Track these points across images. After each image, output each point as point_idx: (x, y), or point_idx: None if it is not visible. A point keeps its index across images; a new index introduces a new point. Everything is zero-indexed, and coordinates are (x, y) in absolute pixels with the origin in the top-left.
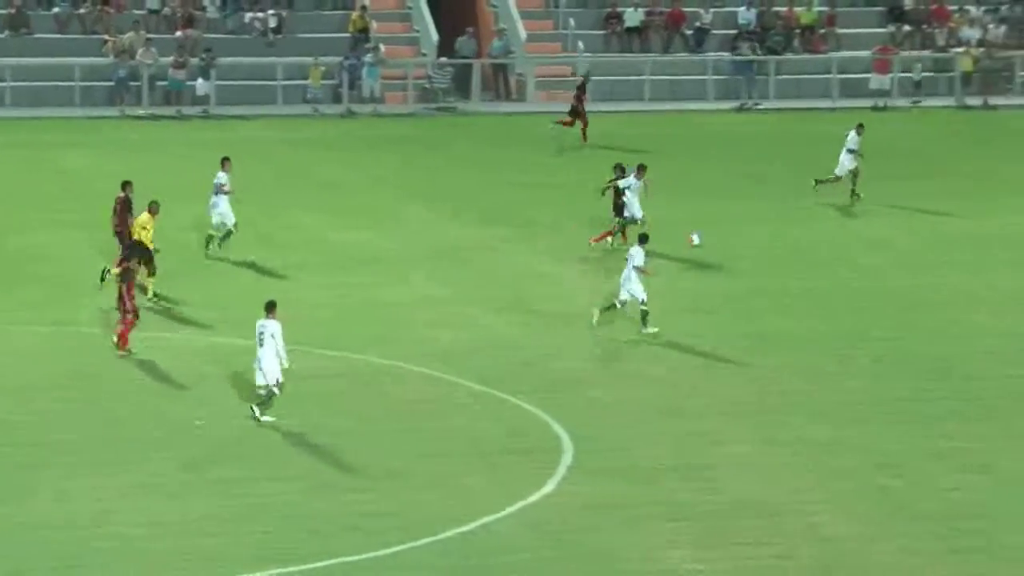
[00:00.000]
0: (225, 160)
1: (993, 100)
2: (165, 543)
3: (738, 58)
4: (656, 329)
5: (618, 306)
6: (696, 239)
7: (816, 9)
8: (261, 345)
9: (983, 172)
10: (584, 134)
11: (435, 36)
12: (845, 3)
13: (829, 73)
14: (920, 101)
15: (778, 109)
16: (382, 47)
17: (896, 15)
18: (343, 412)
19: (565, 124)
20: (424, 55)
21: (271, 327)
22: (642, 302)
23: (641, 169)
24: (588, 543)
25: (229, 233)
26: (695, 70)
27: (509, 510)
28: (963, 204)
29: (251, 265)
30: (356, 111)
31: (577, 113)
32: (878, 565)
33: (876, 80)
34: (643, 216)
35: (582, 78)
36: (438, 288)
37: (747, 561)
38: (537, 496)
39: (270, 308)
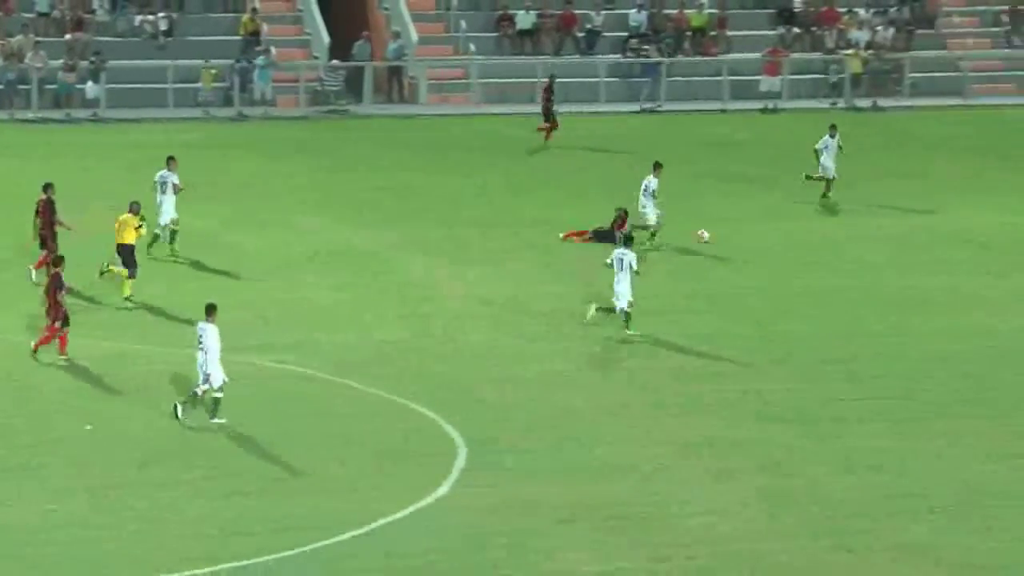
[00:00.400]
0: (171, 159)
1: (882, 102)
2: (74, 547)
3: (634, 60)
4: (638, 331)
5: (617, 312)
6: (705, 235)
7: (707, 11)
8: (202, 349)
9: (883, 173)
10: (549, 134)
11: (326, 39)
12: (735, 5)
13: (720, 75)
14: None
15: (670, 111)
16: (273, 50)
17: (785, 17)
18: (239, 417)
19: (543, 129)
20: (316, 58)
21: (209, 331)
22: (630, 304)
23: (657, 167)
24: (482, 545)
25: (174, 233)
26: (587, 72)
27: (404, 512)
28: (862, 204)
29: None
30: (247, 114)
31: (547, 114)
32: (759, 565)
33: (766, 82)
34: (656, 221)
35: (547, 80)
36: (332, 292)
37: (644, 563)
38: (432, 498)
39: (210, 311)
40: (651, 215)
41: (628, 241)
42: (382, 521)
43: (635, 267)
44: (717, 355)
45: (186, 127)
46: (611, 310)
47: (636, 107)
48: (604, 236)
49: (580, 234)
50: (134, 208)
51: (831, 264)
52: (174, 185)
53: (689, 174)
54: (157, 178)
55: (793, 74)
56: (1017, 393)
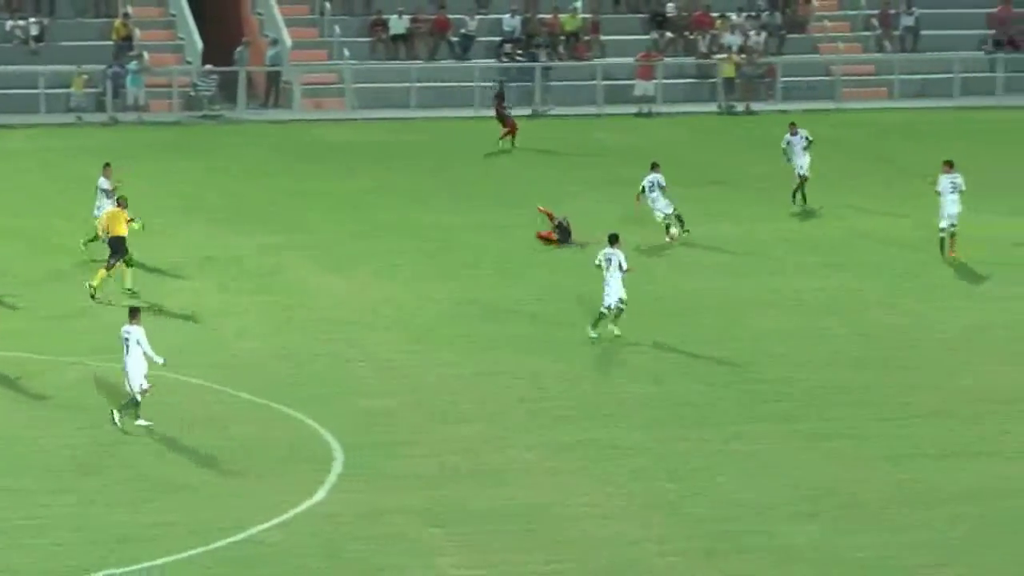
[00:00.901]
0: (106, 166)
1: (755, 106)
2: None
3: (509, 64)
4: (620, 332)
5: (605, 312)
6: (676, 233)
7: (580, 16)
8: (127, 352)
9: (751, 177)
10: (511, 139)
11: (199, 44)
12: (608, 10)
13: (594, 80)
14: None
15: (554, 116)
16: (146, 55)
17: (658, 22)
18: (106, 427)
19: (506, 135)
20: (189, 63)
21: (135, 333)
22: (621, 300)
23: (654, 167)
24: (358, 550)
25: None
26: (462, 77)
27: (280, 519)
28: (729, 209)
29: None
30: (120, 119)
31: (503, 120)
32: (643, 569)
33: (640, 87)
34: (672, 211)
35: (496, 87)
36: (205, 297)
37: (518, 567)
38: (308, 504)
39: (134, 314)
40: (664, 208)
41: (614, 240)
42: (257, 528)
43: (624, 266)
44: (599, 357)
45: (58, 133)
46: (605, 314)
47: (528, 111)
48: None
49: (550, 236)
50: (122, 203)
51: (689, 267)
52: (105, 191)
53: (572, 178)
54: (100, 184)
55: (667, 78)
56: (888, 392)
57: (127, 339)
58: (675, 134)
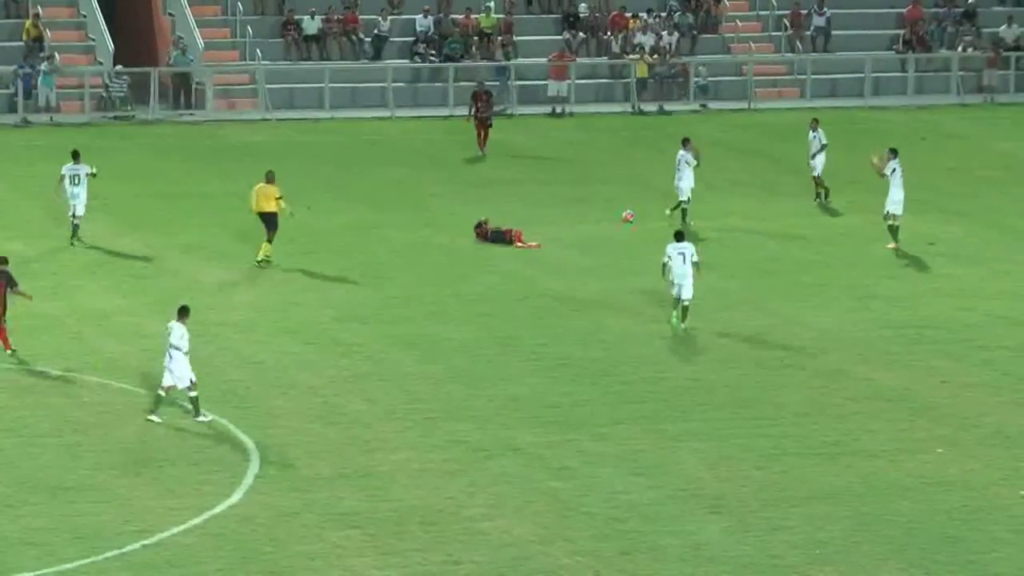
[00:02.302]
0: (76, 153)
1: (668, 106)
2: None
3: (421, 65)
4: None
5: (682, 302)
6: (630, 215)
7: (494, 16)
8: (170, 356)
9: (654, 177)
10: (481, 141)
11: (111, 45)
12: (521, 10)
13: (507, 79)
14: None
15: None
16: (57, 55)
17: (571, 22)
18: (10, 428)
19: (482, 138)
20: (100, 63)
21: (177, 331)
22: (688, 299)
23: (685, 142)
24: (272, 552)
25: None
26: (375, 77)
27: (194, 522)
28: (616, 208)
29: None
30: (32, 120)
31: (481, 121)
32: (547, 568)
33: (553, 86)
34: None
35: (476, 87)
36: (114, 299)
37: (431, 567)
38: (223, 507)
39: (182, 313)
40: (687, 188)
41: (681, 235)
42: (171, 531)
43: (696, 259)
44: (501, 359)
45: None
46: (676, 301)
47: (445, 111)
48: (497, 237)
49: (483, 233)
50: (270, 178)
51: (561, 267)
52: (88, 174)
53: (482, 180)
54: (65, 171)
55: (580, 78)
56: (756, 392)
57: (170, 334)
58: (585, 135)
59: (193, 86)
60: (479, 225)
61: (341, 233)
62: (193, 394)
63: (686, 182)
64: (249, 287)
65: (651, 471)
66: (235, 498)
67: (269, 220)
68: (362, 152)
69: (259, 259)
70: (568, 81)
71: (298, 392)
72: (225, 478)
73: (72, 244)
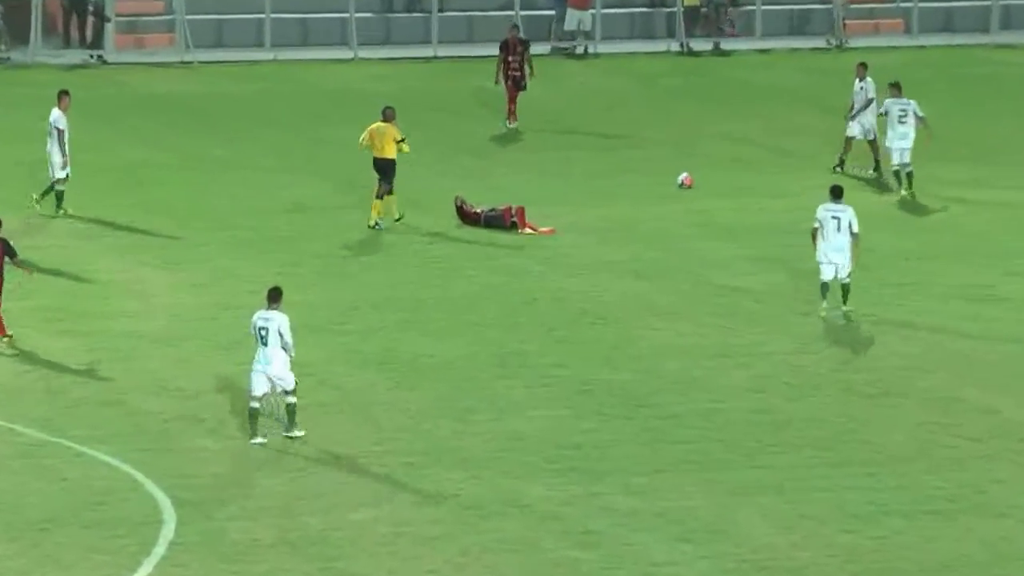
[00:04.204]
0: (62, 94)
1: (727, 43)
2: None
3: None
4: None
5: (832, 278)
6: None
7: None
8: (264, 343)
9: (712, 139)
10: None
11: None
12: None
13: (509, 9)
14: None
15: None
16: None
17: None
18: None
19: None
20: None
21: (277, 320)
22: (849, 274)
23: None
24: None
25: (51, 189)
26: (332, 6)
27: None
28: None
29: None
30: None
31: (515, 82)
32: None
33: (573, 16)
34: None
35: (508, 31)
36: None
37: None
38: None
39: (274, 296)
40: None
41: (839, 193)
42: None
43: (855, 228)
44: (501, 384)
45: None
46: (826, 286)
47: (401, 52)
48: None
49: (471, 215)
50: (389, 115)
51: (576, 262)
52: (58, 131)
53: (476, 145)
54: (52, 120)
55: (608, 6)
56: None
57: (265, 328)
58: (616, 83)
59: (88, 17)
60: (460, 205)
61: (288, 216)
62: (293, 400)
63: (898, 139)
64: (167, 287)
65: (703, 535)
66: (143, 572)
67: (385, 168)
68: (315, 107)
69: (371, 223)
70: (592, 10)
71: (231, 428)
72: (130, 545)
73: (58, 214)
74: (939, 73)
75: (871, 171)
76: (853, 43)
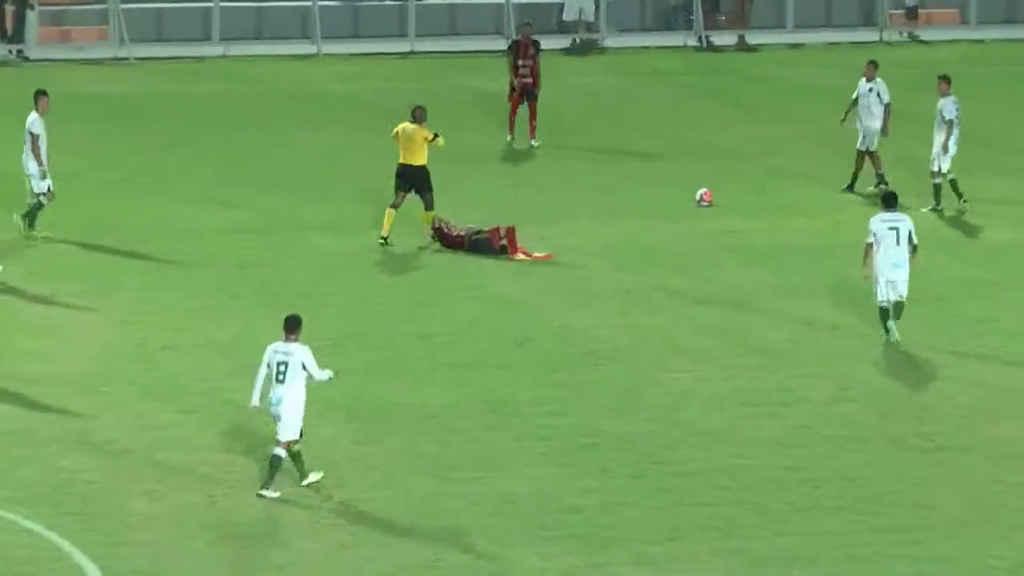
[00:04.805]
0: (40, 94)
1: (753, 36)
2: None
3: None
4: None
5: (889, 302)
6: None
7: None
8: (280, 380)
9: (730, 151)
10: (513, 121)
11: None
12: None
13: None
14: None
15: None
16: None
17: None
18: None
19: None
20: None
21: (299, 354)
22: (902, 297)
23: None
24: None
25: (39, 207)
26: None
27: None
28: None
29: None
30: None
31: (526, 89)
32: None
33: (573, 4)
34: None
35: (520, 28)
36: None
37: None
38: None
39: (292, 326)
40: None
41: (893, 201)
42: None
43: (914, 239)
44: (490, 436)
45: None
46: (886, 311)
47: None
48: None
49: (454, 238)
50: (419, 115)
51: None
52: (32, 136)
53: (462, 153)
54: (28, 125)
55: None
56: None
57: (284, 363)
58: (624, 82)
59: (7, 6)
60: (440, 227)
61: (238, 237)
62: (296, 449)
63: (941, 150)
64: (89, 322)
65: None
66: None
67: (413, 177)
68: (272, 110)
69: (382, 237)
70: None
71: (168, 488)
72: None
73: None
74: (998, 70)
75: (873, 186)
76: (899, 36)
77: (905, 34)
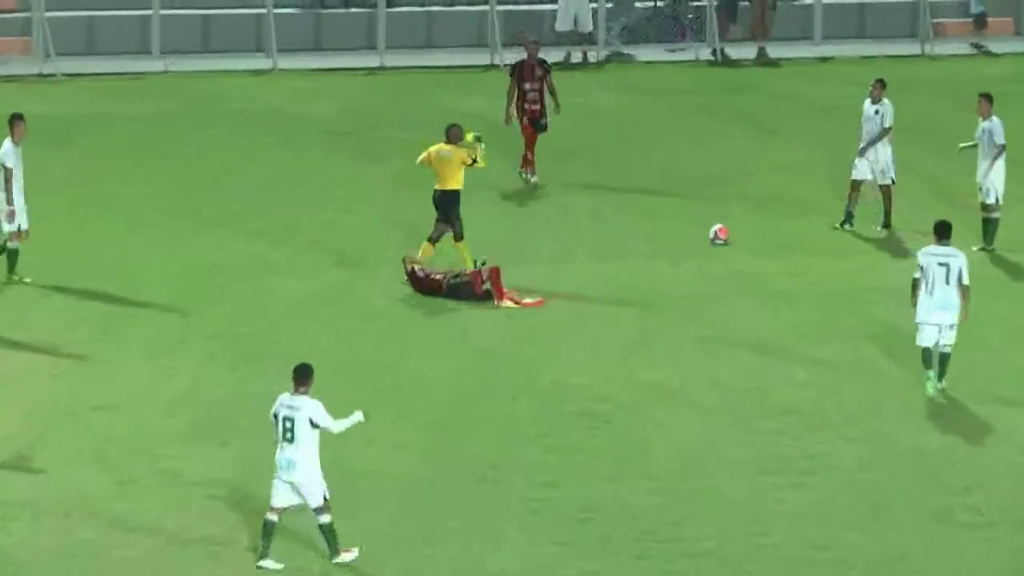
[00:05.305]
0: (15, 120)
1: (774, 49)
2: None
3: None
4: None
5: (942, 350)
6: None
7: None
8: (288, 439)
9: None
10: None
11: None
12: None
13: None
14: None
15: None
16: None
17: None
18: None
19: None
20: None
21: (307, 409)
22: (949, 344)
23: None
24: None
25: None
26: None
27: None
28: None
29: None
30: None
31: (531, 119)
32: None
33: (566, 12)
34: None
35: (525, 46)
36: None
37: None
38: None
39: (302, 378)
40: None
41: (946, 232)
42: None
43: (965, 278)
44: (471, 506)
45: None
46: (927, 355)
47: (334, 61)
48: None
49: (429, 282)
50: (454, 134)
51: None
52: (5, 169)
53: None
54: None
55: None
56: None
57: (291, 418)
58: (628, 101)
59: None
60: (413, 270)
61: (186, 278)
62: (327, 520)
63: (998, 172)
64: (14, 376)
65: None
66: None
67: (445, 204)
68: (222, 134)
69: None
70: (594, 3)
71: (114, 569)
72: None
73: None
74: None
75: (879, 226)
76: (942, 49)
77: (971, 46)
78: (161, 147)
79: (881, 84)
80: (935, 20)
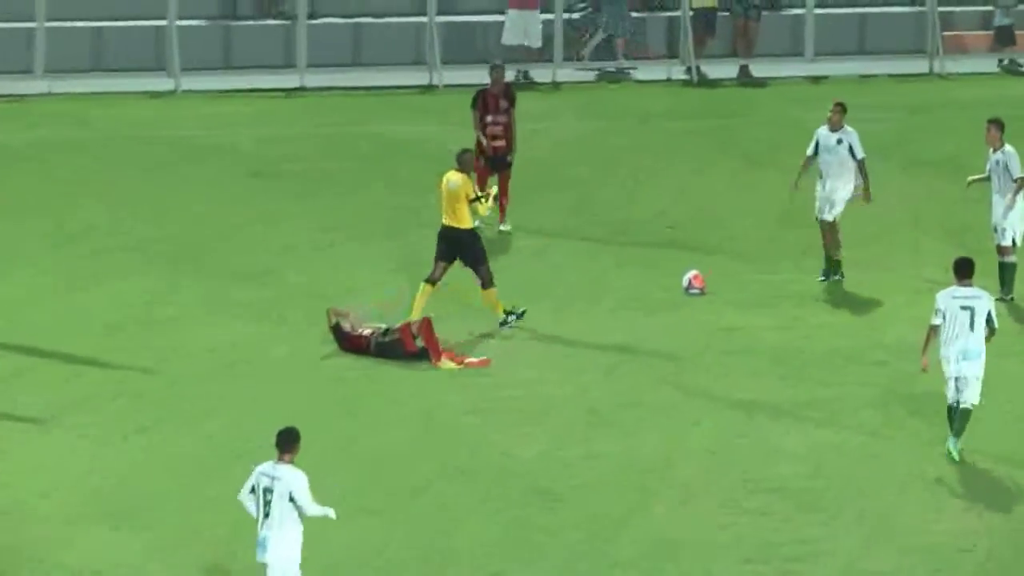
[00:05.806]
0: None
1: (759, 68)
2: None
3: None
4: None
5: (957, 406)
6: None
7: None
8: (267, 514)
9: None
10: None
11: None
12: None
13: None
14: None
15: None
16: None
17: None
18: None
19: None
20: None
21: (287, 479)
22: (972, 402)
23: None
24: None
25: None
26: (144, 11)
27: None
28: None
29: None
30: None
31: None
32: None
33: (516, 26)
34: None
35: (490, 72)
36: None
37: None
38: None
39: (287, 444)
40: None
41: (969, 271)
42: None
43: (995, 321)
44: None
45: None
46: (952, 412)
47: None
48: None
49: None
50: (466, 163)
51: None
52: None
53: (382, 221)
54: None
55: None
56: None
57: (269, 489)
58: (589, 127)
59: None
60: (338, 325)
61: (85, 332)
62: None
63: (1018, 212)
64: None
65: None
66: None
67: (458, 243)
68: (116, 165)
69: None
70: (549, 15)
71: None
72: None
73: None
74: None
75: (821, 276)
76: (956, 67)
77: (1004, 62)
78: (46, 181)
79: (841, 108)
80: (949, 33)
